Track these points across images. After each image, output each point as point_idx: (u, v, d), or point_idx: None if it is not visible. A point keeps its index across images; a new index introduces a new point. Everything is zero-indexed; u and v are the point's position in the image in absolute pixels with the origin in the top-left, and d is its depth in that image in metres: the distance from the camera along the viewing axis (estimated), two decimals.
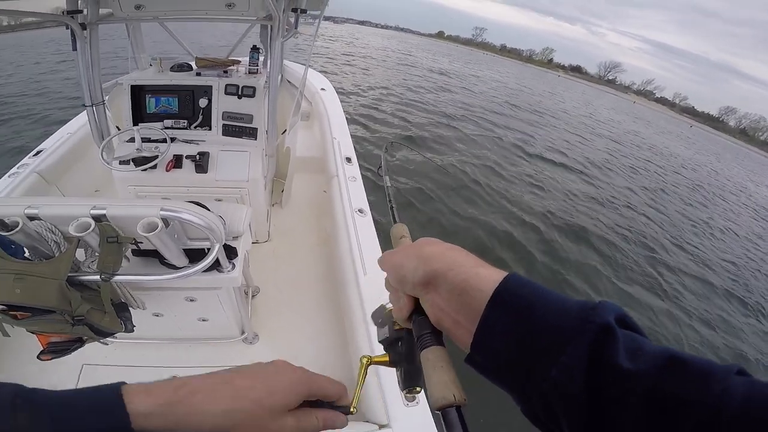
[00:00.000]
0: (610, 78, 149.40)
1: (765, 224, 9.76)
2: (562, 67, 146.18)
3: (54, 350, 1.15)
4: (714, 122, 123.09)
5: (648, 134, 22.14)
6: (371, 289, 1.66)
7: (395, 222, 0.61)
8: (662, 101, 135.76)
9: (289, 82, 3.28)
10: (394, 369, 0.43)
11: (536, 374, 0.29)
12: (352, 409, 0.43)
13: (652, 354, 0.26)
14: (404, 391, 0.41)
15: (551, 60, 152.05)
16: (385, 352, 0.45)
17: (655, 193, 8.68)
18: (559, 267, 4.13)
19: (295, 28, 2.26)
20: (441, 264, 0.37)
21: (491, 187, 5.77)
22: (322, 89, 3.69)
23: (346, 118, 3.36)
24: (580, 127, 15.00)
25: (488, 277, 0.34)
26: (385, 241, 1.92)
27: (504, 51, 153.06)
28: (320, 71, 4.85)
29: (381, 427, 1.17)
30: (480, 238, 4.26)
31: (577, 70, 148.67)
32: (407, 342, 0.43)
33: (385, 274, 0.45)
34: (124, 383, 0.34)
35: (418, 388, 0.40)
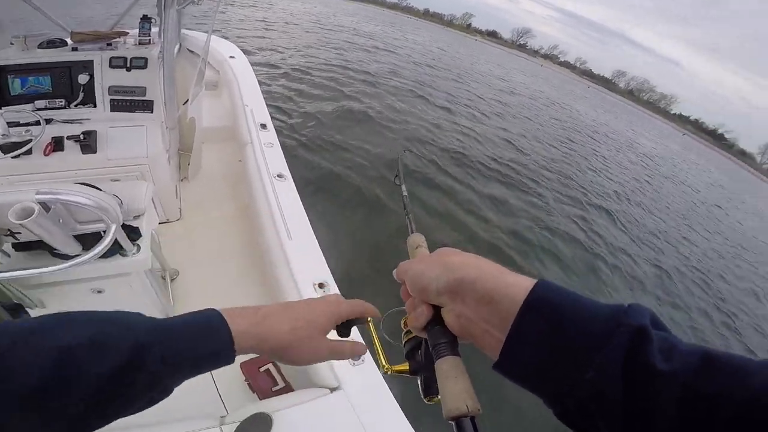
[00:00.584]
0: (522, 43, 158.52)
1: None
2: (480, 32, 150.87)
3: None
4: (608, 83, 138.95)
5: (552, 93, 24.69)
6: (298, 253, 1.62)
7: (412, 232, 0.59)
8: (566, 65, 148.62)
9: (191, 51, 3.02)
10: (416, 377, 0.44)
11: (571, 377, 0.29)
12: (386, 370, 0.47)
13: (686, 353, 0.27)
14: (426, 399, 0.41)
15: (470, 25, 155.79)
16: (405, 360, 0.45)
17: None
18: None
19: None
20: (466, 273, 0.37)
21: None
22: (231, 57, 3.45)
23: (269, 88, 3.18)
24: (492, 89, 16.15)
25: (517, 284, 0.34)
26: (309, 206, 1.93)
27: (427, 15, 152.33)
28: (237, 39, 4.47)
29: (332, 390, 1.17)
30: None
31: (493, 35, 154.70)
32: (426, 350, 0.43)
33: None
34: (215, 309, 0.42)
35: (439, 397, 0.38)
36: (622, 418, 0.27)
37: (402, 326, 0.46)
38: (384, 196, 4.12)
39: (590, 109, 27.22)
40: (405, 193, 0.68)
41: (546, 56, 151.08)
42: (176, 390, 0.39)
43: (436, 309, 0.40)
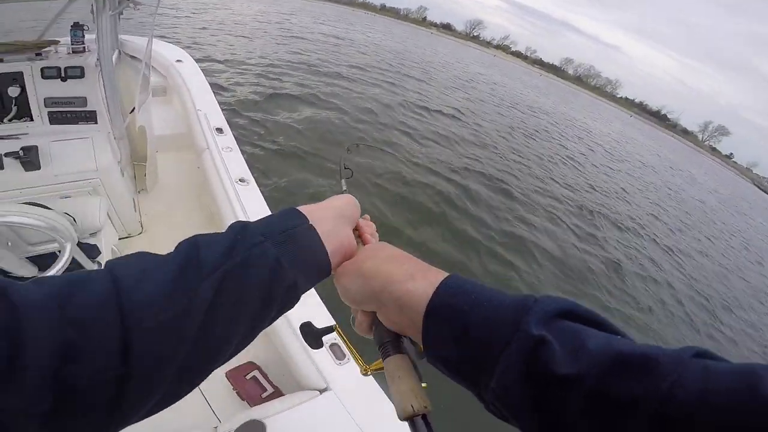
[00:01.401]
0: (475, 34, 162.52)
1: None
2: (435, 25, 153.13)
3: None
4: (557, 71, 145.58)
5: (508, 83, 25.61)
6: None
7: None
8: (517, 54, 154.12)
9: (133, 57, 2.90)
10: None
11: (480, 382, 0.30)
12: (365, 370, 0.46)
13: (594, 352, 0.26)
14: None
15: (425, 18, 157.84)
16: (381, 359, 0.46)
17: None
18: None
19: None
20: (377, 282, 0.38)
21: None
22: (179, 61, 3.34)
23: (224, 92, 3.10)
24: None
25: (417, 293, 0.35)
26: (276, 206, 1.95)
27: (384, 10, 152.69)
28: (190, 46, 4.29)
29: (321, 391, 1.16)
30: None
31: (447, 28, 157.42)
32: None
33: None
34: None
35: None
36: (534, 422, 0.27)
37: None
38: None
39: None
40: (344, 188, 0.70)
41: (498, 47, 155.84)
42: None
43: (374, 313, 0.41)
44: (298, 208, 0.43)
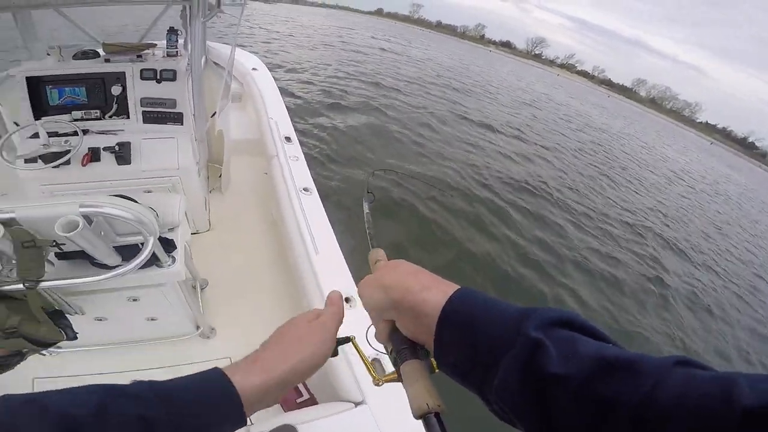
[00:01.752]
0: (537, 53, 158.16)
1: None
2: (494, 43, 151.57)
3: None
4: (628, 92, 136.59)
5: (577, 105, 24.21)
6: (325, 266, 1.64)
7: (372, 247, 0.63)
8: (583, 74, 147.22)
9: (216, 63, 3.10)
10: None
11: (486, 383, 0.32)
12: (377, 381, 0.48)
13: (584, 356, 0.28)
14: None
15: (483, 36, 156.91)
16: (393, 370, 0.47)
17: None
18: None
19: (218, 6, 2.13)
20: (396, 293, 0.42)
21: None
22: (254, 69, 3.53)
23: (300, 102, 3.23)
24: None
25: (431, 302, 0.38)
26: (333, 219, 1.94)
27: (439, 27, 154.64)
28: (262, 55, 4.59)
29: (357, 404, 1.17)
30: None
31: (507, 46, 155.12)
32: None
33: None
34: (218, 368, 0.42)
35: None
36: (532, 418, 0.29)
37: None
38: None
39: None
40: (367, 211, 0.75)
41: (563, 65, 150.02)
42: None
43: (393, 321, 0.44)
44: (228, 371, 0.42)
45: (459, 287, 0.39)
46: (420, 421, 0.35)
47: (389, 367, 0.47)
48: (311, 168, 2.34)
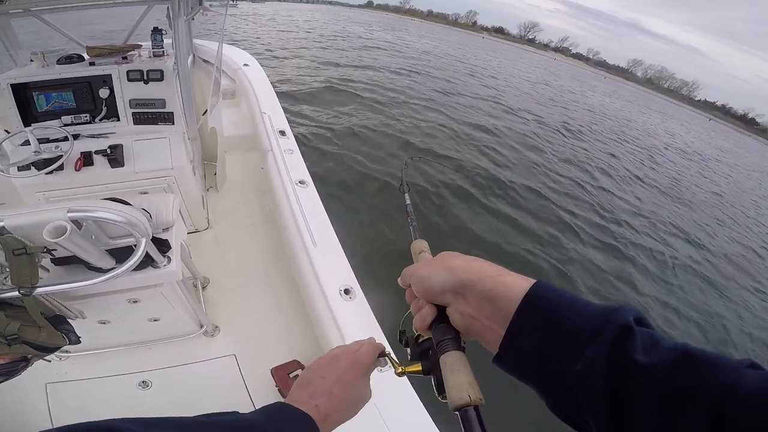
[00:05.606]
0: (530, 38, 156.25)
1: None
2: (486, 29, 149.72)
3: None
4: (624, 73, 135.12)
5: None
6: (323, 259, 1.65)
7: (415, 238, 0.62)
8: (578, 57, 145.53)
9: (205, 61, 3.07)
10: (429, 376, 0.46)
11: (562, 368, 0.32)
12: (400, 372, 0.48)
13: (666, 349, 0.29)
14: (440, 397, 0.43)
15: (475, 23, 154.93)
16: (417, 362, 0.47)
17: None
18: None
19: (200, 4, 2.12)
20: (468, 274, 0.41)
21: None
22: (245, 65, 3.50)
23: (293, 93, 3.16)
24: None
25: (514, 284, 0.38)
26: (332, 211, 1.95)
27: (431, 16, 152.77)
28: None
29: None
30: None
31: (500, 32, 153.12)
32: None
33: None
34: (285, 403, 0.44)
35: None
36: (606, 407, 0.29)
37: (414, 330, 0.49)
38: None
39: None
40: (408, 202, 0.73)
41: (557, 49, 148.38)
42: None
43: (440, 309, 0.44)
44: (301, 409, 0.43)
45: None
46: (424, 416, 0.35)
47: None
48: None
